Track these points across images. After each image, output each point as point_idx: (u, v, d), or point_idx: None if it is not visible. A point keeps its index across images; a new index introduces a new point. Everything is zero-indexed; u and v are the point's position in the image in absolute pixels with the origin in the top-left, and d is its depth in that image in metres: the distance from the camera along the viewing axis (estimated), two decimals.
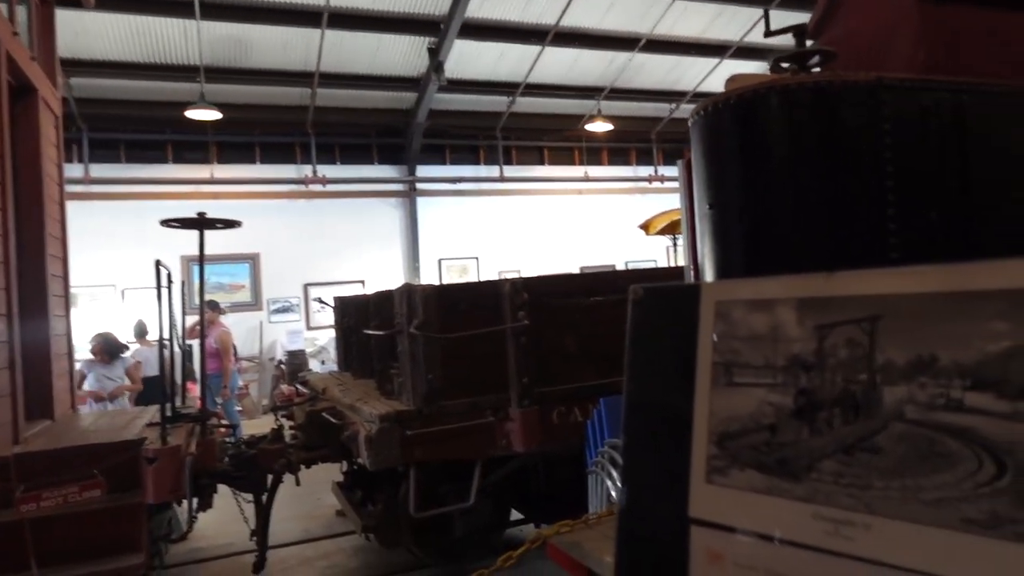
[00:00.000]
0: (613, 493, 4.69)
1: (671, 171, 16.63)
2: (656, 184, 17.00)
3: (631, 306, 1.32)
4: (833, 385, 1.03)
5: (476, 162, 16.12)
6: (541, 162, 16.68)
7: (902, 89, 2.83)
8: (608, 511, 2.91)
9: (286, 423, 5.86)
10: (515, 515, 5.71)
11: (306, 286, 14.29)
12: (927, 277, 0.96)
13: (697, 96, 14.76)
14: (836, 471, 1.00)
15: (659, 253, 15.52)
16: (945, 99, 2.89)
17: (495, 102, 14.92)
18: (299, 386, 7.56)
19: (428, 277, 14.95)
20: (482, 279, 13.92)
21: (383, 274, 14.29)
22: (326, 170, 14.58)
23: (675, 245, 12.78)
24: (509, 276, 6.58)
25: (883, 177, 2.67)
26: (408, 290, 5.04)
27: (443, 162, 15.88)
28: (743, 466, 1.11)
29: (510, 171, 16.05)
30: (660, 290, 1.29)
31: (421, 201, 15.38)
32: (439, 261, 15.46)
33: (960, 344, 0.91)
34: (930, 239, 2.72)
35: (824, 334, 1.05)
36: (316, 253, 14.37)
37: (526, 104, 15.09)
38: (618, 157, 17.29)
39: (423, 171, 15.38)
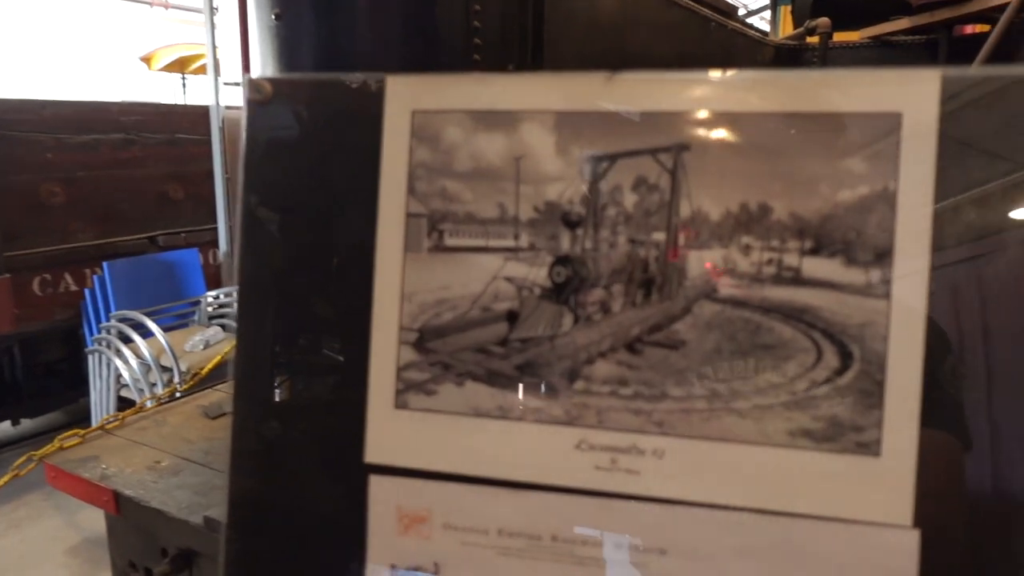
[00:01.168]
0: (124, 373, 3.88)
1: None
2: (160, 9, 14.47)
3: (248, 110, 0.75)
4: (612, 249, 0.68)
5: None
6: None
7: None
8: (137, 408, 2.24)
9: None
10: None
11: None
12: (759, 89, 0.65)
13: None
14: (614, 377, 0.67)
15: (165, 94, 13.42)
16: None
17: None
18: None
19: None
20: None
21: None
22: None
23: (185, 85, 11.14)
24: None
25: (471, 16, 2.41)
26: None
27: None
28: (460, 377, 0.70)
29: None
30: (307, 86, 0.75)
31: None
32: None
33: (801, 189, 0.64)
34: None
35: (600, 170, 0.68)
36: None
37: None
38: None
39: None
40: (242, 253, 0.75)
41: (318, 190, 0.77)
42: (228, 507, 0.74)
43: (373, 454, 0.72)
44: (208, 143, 4.60)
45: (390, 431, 0.71)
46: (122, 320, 3.94)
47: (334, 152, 0.76)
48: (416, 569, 0.71)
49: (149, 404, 2.32)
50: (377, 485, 0.72)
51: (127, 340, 3.84)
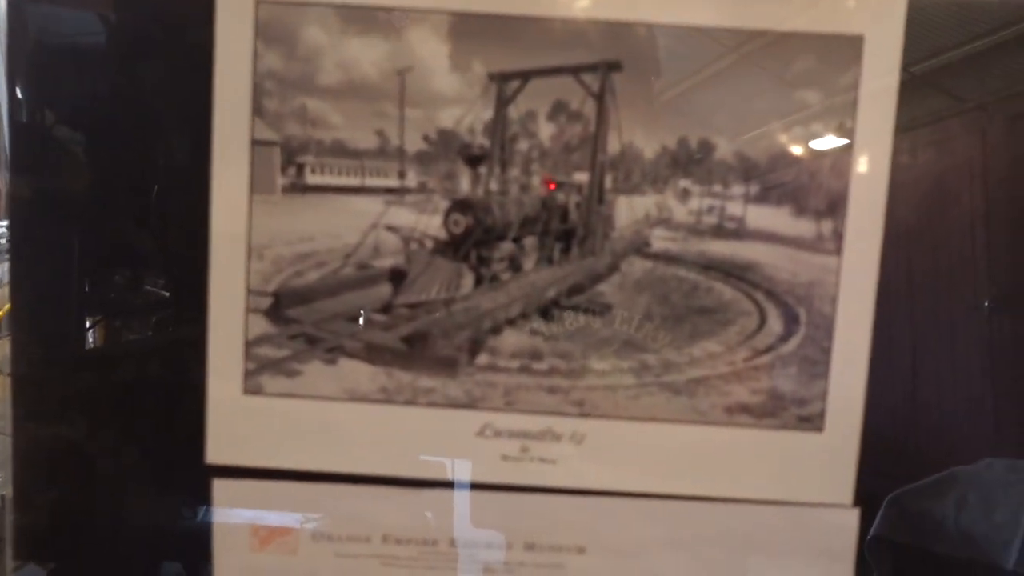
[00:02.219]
0: None
1: None
2: None
3: None
4: (524, 192, 0.55)
5: None
6: None
7: None
8: None
9: None
10: None
11: None
12: None
13: None
14: (526, 350, 0.55)
15: None
16: None
17: None
18: None
19: None
20: None
21: None
22: None
23: None
24: None
25: None
26: None
27: None
28: (332, 353, 0.55)
29: None
30: None
31: None
32: None
33: (748, 123, 0.54)
34: None
35: (509, 92, 0.53)
36: None
37: None
38: None
39: None
40: (9, 187, 0.55)
41: (119, 99, 0.57)
42: (13, 531, 0.56)
43: (217, 453, 0.56)
44: None
45: (239, 423, 0.56)
46: None
47: (141, 50, 0.56)
48: None
49: None
50: (223, 491, 0.56)
51: None
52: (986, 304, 0.74)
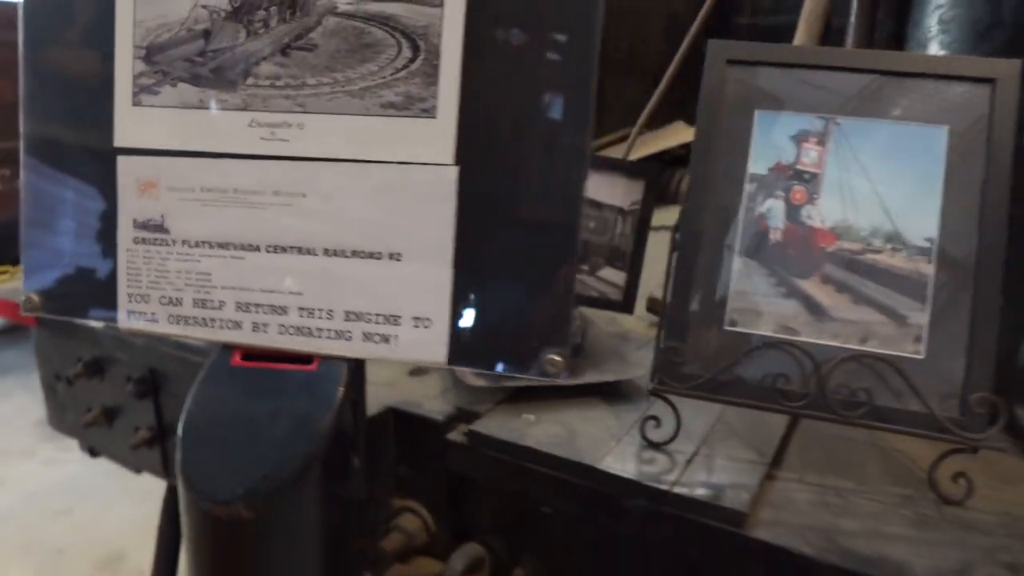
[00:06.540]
0: None
1: None
2: None
3: None
4: None
5: None
6: None
7: None
8: None
9: None
10: None
11: None
12: None
13: None
14: (272, 74, 0.95)
15: None
16: None
17: None
18: None
19: None
20: None
21: None
22: None
23: None
24: None
25: None
26: None
27: None
28: (175, 80, 0.98)
29: None
30: None
31: None
32: None
33: None
34: None
35: None
36: None
37: None
38: None
39: None
40: None
41: None
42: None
43: (119, 140, 1.01)
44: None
45: (130, 122, 1.00)
46: None
47: None
48: (149, 221, 1.01)
49: None
50: (123, 163, 1.01)
51: None
52: None
